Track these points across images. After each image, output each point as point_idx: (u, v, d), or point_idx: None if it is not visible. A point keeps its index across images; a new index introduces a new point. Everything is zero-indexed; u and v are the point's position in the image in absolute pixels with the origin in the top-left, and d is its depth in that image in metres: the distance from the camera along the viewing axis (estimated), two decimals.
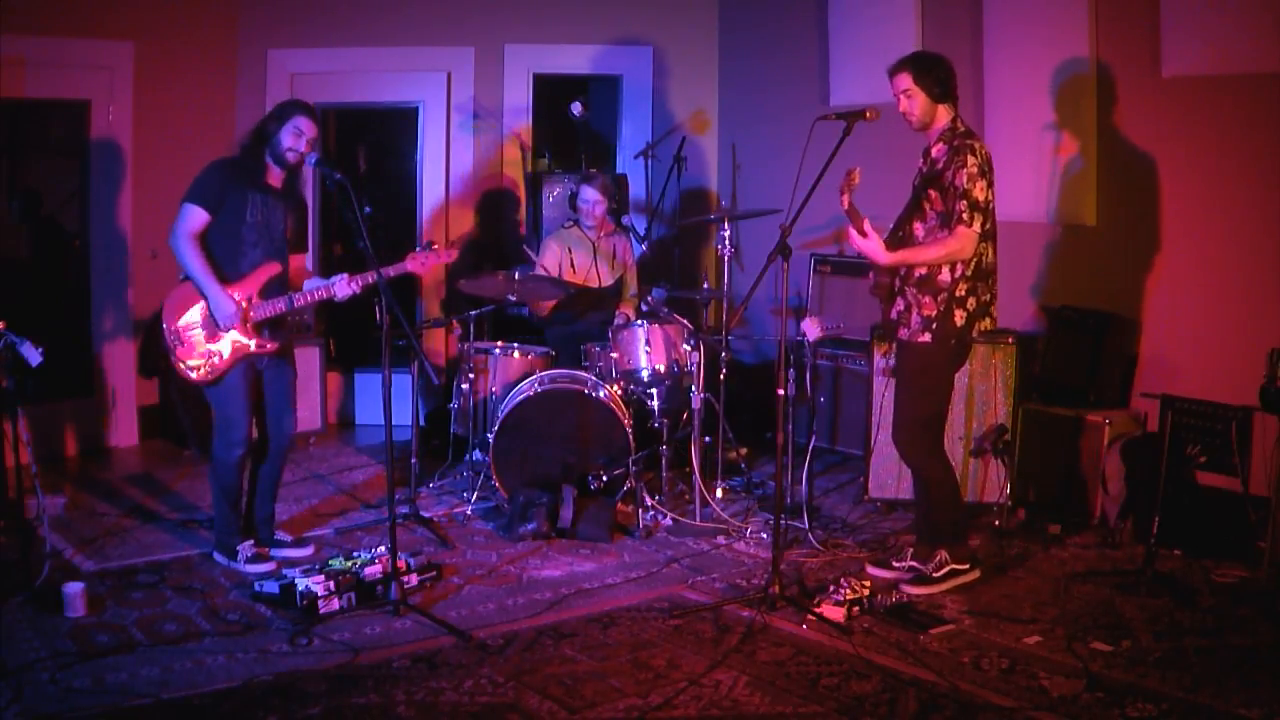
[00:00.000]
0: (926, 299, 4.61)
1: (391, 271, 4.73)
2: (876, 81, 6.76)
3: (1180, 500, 4.98)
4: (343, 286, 4.83)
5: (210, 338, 4.77)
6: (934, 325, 4.60)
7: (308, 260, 5.01)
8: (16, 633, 4.16)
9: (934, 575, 4.68)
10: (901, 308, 4.70)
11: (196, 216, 4.71)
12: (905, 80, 4.62)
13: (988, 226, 4.53)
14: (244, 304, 4.77)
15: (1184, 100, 5.50)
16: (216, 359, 4.77)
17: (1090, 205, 5.90)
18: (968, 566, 4.73)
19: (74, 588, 4.37)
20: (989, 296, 4.67)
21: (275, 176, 4.86)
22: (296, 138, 4.75)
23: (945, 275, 4.58)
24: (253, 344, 4.81)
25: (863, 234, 4.51)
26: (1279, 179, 5.20)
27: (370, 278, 4.67)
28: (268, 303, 4.82)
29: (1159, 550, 4.83)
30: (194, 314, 4.77)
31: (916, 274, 4.63)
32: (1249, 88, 5.25)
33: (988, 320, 4.69)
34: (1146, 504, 4.96)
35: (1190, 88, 5.47)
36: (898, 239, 4.67)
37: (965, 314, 4.61)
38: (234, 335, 4.77)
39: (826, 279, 6.96)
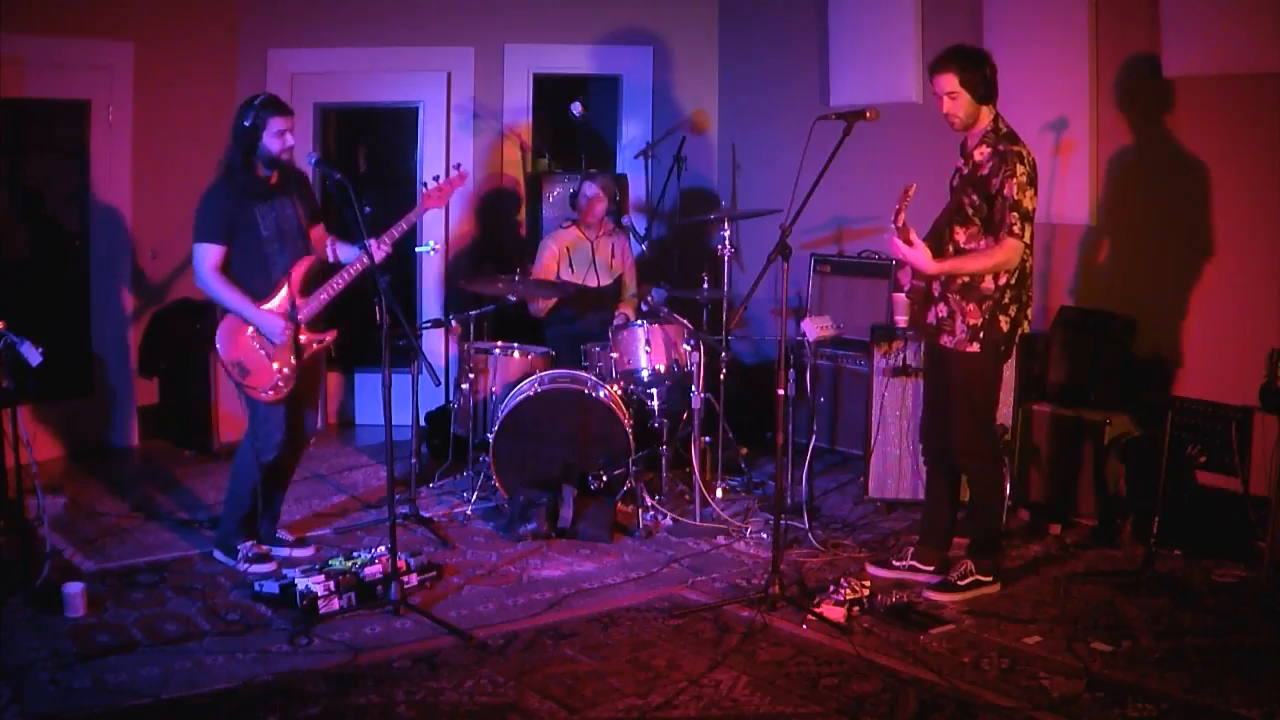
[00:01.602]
0: (971, 306, 4.52)
1: (414, 217, 4.90)
2: (876, 81, 6.83)
3: (1180, 500, 4.97)
4: (376, 250, 4.74)
5: (272, 354, 4.77)
6: (981, 334, 4.51)
7: (321, 227, 5.03)
8: (16, 633, 4.16)
9: (959, 584, 4.64)
10: (944, 314, 4.60)
11: (213, 253, 4.70)
12: (950, 81, 4.42)
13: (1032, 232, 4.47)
14: (288, 311, 4.76)
15: (1184, 100, 5.50)
16: (286, 370, 4.79)
17: (1090, 205, 5.90)
18: (991, 579, 4.68)
19: (74, 588, 4.36)
20: (1026, 298, 4.61)
21: (269, 175, 4.84)
22: (281, 137, 4.71)
23: (989, 283, 4.49)
24: (314, 342, 4.86)
25: (909, 244, 4.38)
26: (1279, 179, 5.21)
27: (395, 232, 4.82)
28: (313, 298, 4.83)
29: (1159, 550, 4.83)
30: (247, 340, 4.76)
31: (959, 281, 4.53)
32: (1249, 88, 5.25)
33: (1025, 324, 4.64)
34: (1146, 504, 4.96)
35: (1190, 88, 5.47)
36: (937, 242, 4.54)
37: (1009, 320, 4.53)
38: (292, 343, 4.78)
39: (826, 279, 6.96)
